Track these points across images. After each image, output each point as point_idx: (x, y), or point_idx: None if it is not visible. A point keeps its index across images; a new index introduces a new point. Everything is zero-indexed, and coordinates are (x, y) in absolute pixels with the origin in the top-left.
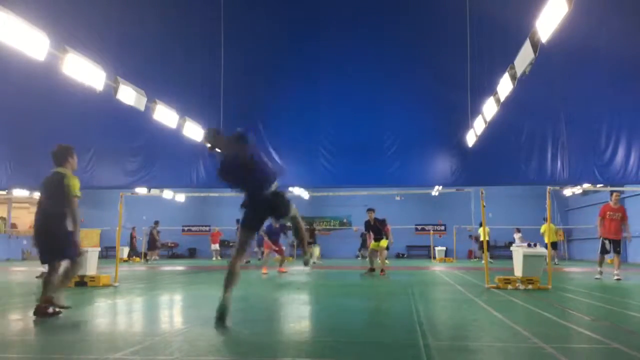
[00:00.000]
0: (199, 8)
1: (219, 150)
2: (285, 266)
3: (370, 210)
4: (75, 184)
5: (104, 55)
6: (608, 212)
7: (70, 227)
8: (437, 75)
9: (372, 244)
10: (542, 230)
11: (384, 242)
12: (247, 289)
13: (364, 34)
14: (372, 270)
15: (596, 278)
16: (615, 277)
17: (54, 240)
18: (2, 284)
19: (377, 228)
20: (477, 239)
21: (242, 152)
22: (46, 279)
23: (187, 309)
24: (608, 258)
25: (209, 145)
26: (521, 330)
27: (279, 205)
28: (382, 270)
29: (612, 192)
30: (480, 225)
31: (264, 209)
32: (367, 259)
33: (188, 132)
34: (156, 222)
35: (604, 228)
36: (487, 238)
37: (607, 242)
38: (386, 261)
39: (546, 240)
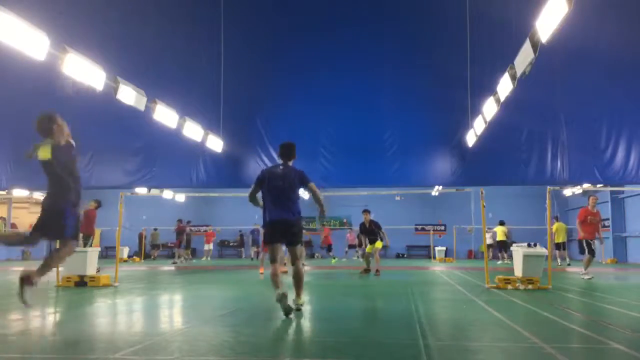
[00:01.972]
0: (199, 8)
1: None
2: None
3: (366, 211)
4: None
5: (104, 55)
6: (589, 217)
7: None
8: (437, 75)
9: (367, 247)
10: (554, 229)
11: (379, 244)
12: (247, 289)
13: (364, 33)
14: (367, 270)
15: (589, 279)
16: (586, 277)
17: (54, 217)
18: (2, 284)
19: (371, 230)
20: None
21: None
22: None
23: (187, 309)
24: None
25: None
26: (521, 330)
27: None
28: (377, 270)
29: (588, 196)
30: (500, 224)
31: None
32: (364, 260)
33: (188, 132)
34: (188, 222)
35: (585, 232)
36: (503, 238)
37: (591, 243)
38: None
39: (556, 240)
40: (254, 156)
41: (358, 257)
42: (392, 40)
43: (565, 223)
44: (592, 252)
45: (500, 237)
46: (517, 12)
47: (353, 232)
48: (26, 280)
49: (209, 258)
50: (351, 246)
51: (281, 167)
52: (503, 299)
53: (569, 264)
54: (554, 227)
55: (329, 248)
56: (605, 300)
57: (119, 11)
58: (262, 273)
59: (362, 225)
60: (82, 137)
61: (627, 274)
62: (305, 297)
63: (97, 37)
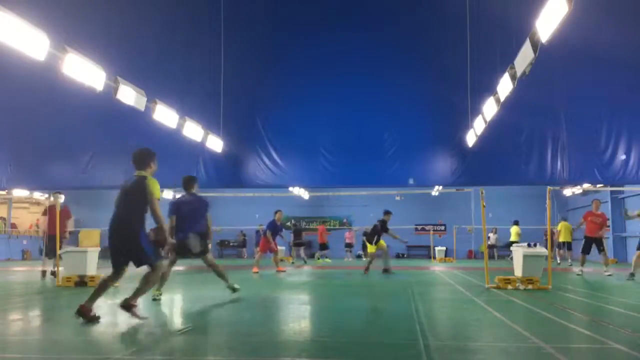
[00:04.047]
0: (198, 8)
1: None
2: (282, 266)
3: (390, 212)
4: (155, 187)
5: (104, 55)
6: (590, 217)
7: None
8: (437, 75)
9: (378, 245)
10: (559, 227)
11: (382, 242)
12: (246, 289)
13: (364, 33)
14: (367, 270)
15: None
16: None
17: (131, 244)
18: (2, 284)
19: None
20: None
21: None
22: (104, 282)
23: (187, 309)
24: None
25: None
26: (521, 330)
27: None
28: (385, 270)
29: (592, 200)
30: (515, 224)
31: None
32: (379, 261)
33: (188, 132)
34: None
35: (587, 229)
36: (517, 239)
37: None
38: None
39: (560, 239)
40: (254, 156)
41: (349, 258)
42: (392, 41)
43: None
44: (597, 250)
45: (513, 237)
46: (517, 12)
47: (352, 231)
48: (129, 308)
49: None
50: (348, 245)
51: (188, 196)
52: (503, 299)
53: (570, 264)
54: (559, 225)
55: (323, 247)
56: (605, 300)
57: (119, 11)
58: (256, 272)
59: (383, 223)
60: (82, 137)
61: (627, 274)
62: (305, 297)
63: (97, 37)
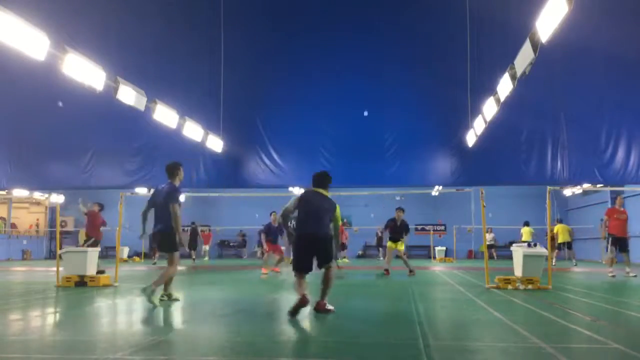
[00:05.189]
0: (199, 8)
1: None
2: (281, 266)
3: (400, 209)
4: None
5: (104, 55)
6: (615, 215)
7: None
8: (437, 75)
9: (390, 243)
10: (555, 230)
11: (401, 245)
12: (247, 289)
13: (364, 34)
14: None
15: (612, 277)
16: (609, 274)
17: (326, 250)
18: (2, 284)
19: (400, 229)
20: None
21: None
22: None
23: (187, 309)
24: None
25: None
26: (521, 330)
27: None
28: (386, 271)
29: (616, 196)
30: (525, 224)
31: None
32: (385, 260)
33: (188, 132)
34: (192, 223)
35: (611, 227)
36: (530, 239)
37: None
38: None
39: (559, 241)
40: (254, 156)
41: (343, 258)
42: (392, 40)
43: (566, 224)
44: (621, 249)
45: (526, 237)
46: (517, 12)
47: (346, 232)
48: (321, 308)
49: (207, 258)
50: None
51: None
52: (503, 299)
53: (575, 264)
54: (555, 228)
55: (342, 247)
56: (605, 300)
57: (119, 11)
58: (265, 273)
59: (392, 221)
60: (82, 137)
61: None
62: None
63: (97, 37)
